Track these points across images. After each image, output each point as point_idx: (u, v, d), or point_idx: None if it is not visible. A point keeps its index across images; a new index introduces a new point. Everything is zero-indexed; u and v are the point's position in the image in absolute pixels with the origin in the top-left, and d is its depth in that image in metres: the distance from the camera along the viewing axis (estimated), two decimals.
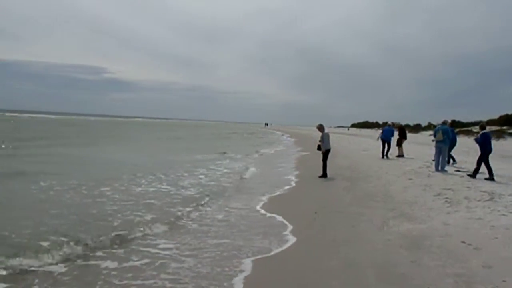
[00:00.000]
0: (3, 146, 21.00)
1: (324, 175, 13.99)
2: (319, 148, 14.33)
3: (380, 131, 21.65)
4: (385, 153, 19.72)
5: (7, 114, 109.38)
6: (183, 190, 11.38)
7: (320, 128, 14.38)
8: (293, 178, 14.34)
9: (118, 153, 21.84)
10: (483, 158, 12.59)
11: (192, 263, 5.71)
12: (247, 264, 5.70)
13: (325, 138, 14.14)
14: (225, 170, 16.21)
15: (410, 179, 12.82)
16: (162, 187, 11.71)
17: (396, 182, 12.50)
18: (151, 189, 11.25)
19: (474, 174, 12.59)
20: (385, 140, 20.03)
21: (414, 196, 10.11)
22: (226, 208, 9.32)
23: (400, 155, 20.01)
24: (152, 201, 9.75)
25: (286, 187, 12.34)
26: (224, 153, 23.88)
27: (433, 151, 15.39)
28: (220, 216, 8.56)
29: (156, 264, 5.65)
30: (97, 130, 54.25)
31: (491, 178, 12.20)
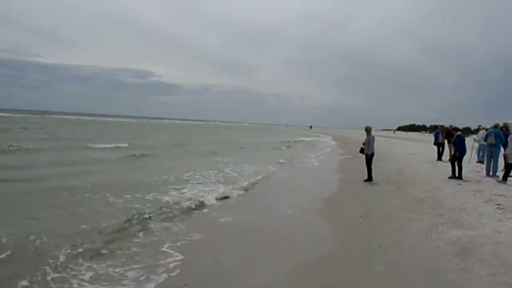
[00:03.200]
0: None
1: (369, 178, 13.82)
2: (361, 151, 14.07)
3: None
4: (439, 156, 19.55)
5: (65, 116, 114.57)
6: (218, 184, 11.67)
7: (368, 130, 14.12)
8: (336, 182, 14.26)
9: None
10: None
11: None
12: (294, 268, 5.79)
13: (370, 141, 13.93)
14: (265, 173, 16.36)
15: (459, 184, 12.42)
16: None
17: (444, 187, 12.16)
18: None
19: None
20: (435, 144, 19.86)
21: (464, 202, 9.82)
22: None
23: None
24: None
25: (330, 191, 12.28)
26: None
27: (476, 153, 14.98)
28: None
29: None
30: (174, 134, 54.41)
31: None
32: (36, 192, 10.21)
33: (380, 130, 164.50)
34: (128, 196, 10.02)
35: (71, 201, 9.45)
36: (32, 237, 6.47)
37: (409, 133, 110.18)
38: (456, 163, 13.95)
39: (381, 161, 20.34)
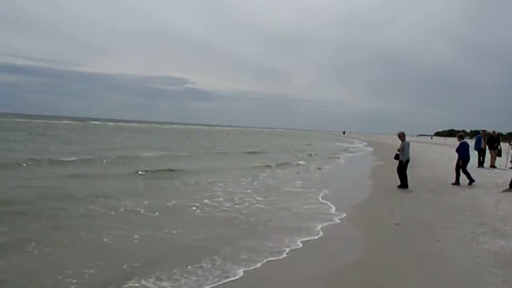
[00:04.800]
0: None
1: (403, 185, 13.41)
2: (396, 157, 13.74)
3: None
4: (481, 163, 18.85)
5: (108, 123, 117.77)
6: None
7: (402, 136, 13.79)
8: (368, 188, 13.93)
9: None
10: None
11: None
12: (325, 275, 5.67)
13: (405, 147, 13.57)
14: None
15: (503, 192, 11.82)
16: None
17: (486, 195, 11.61)
18: None
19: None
20: (476, 150, 19.07)
21: (508, 211, 9.32)
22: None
23: (492, 165, 18.75)
24: None
25: (362, 198, 12.00)
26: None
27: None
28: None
29: None
30: (235, 140, 55.42)
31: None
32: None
33: (417, 136, 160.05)
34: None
35: None
36: None
37: (448, 138, 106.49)
38: (460, 171, 13.97)
39: (418, 167, 19.77)
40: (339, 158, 28.64)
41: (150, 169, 15.92)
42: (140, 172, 15.06)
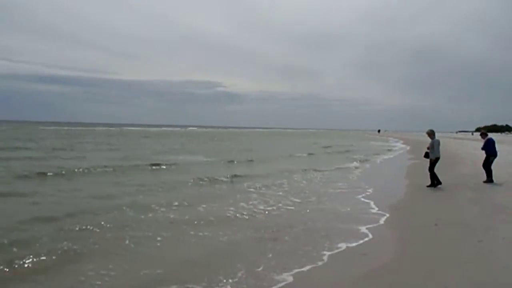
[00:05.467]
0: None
1: (433, 184, 13.04)
2: (426, 155, 13.53)
3: None
4: None
5: (145, 128, 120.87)
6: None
7: (431, 134, 13.54)
8: (404, 188, 13.55)
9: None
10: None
11: None
12: (361, 276, 5.50)
13: (435, 145, 13.23)
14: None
15: None
16: None
17: None
18: None
19: None
20: None
21: None
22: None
23: None
24: None
25: (399, 198, 11.66)
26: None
27: None
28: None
29: None
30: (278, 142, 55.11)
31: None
32: None
33: (457, 132, 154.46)
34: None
35: None
36: None
37: (490, 134, 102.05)
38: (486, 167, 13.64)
39: (458, 165, 19.03)
40: (379, 157, 28.13)
41: (211, 176, 15.20)
42: (204, 179, 14.42)
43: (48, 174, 14.70)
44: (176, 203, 10.00)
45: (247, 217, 8.85)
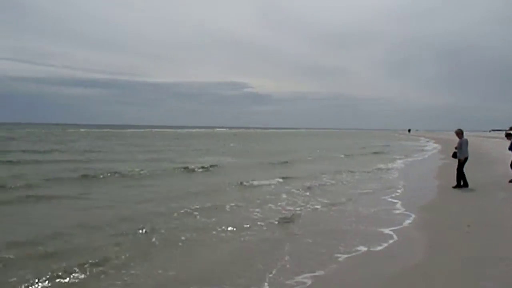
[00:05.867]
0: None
1: (459, 185, 12.78)
2: (454, 155, 13.28)
3: None
4: None
5: (177, 130, 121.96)
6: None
7: (459, 133, 13.25)
8: (435, 188, 13.28)
9: None
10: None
11: None
12: (390, 278, 5.47)
13: (463, 145, 12.95)
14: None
15: None
16: None
17: None
18: None
19: None
20: None
21: None
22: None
23: None
24: None
25: (429, 198, 11.45)
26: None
27: None
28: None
29: None
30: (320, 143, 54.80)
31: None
32: None
33: (490, 131, 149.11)
34: None
35: None
36: None
37: None
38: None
39: (493, 165, 18.46)
40: (412, 157, 27.73)
41: (253, 178, 15.08)
42: (245, 183, 13.93)
43: (92, 176, 14.82)
44: (209, 205, 10.02)
45: (276, 222, 8.64)
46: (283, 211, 9.62)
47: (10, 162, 19.37)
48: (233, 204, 10.21)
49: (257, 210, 9.72)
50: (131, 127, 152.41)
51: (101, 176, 14.97)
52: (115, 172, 15.79)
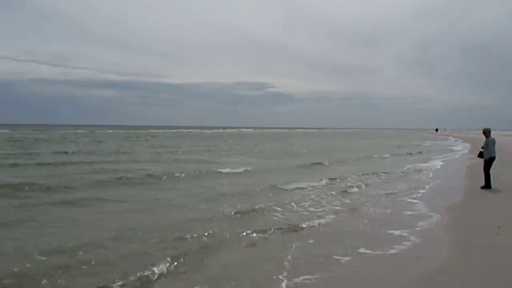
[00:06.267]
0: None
1: (488, 185, 12.50)
2: (480, 155, 13.07)
3: None
4: None
5: (197, 130, 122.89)
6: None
7: (486, 132, 12.98)
8: (462, 188, 13.12)
9: None
10: None
11: None
12: (418, 277, 5.46)
13: (489, 144, 12.71)
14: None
15: None
16: None
17: None
18: None
19: None
20: None
21: None
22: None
23: None
24: None
25: (457, 198, 11.31)
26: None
27: None
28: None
29: None
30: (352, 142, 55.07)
31: None
32: None
33: None
34: None
35: None
36: None
37: None
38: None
39: None
40: (441, 157, 27.27)
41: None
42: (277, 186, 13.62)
43: (127, 178, 14.76)
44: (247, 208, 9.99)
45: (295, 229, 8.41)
46: (305, 213, 9.71)
47: (49, 163, 19.51)
48: (280, 209, 10.09)
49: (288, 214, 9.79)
50: (155, 127, 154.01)
51: (138, 179, 14.90)
52: (150, 175, 15.66)
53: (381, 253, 6.59)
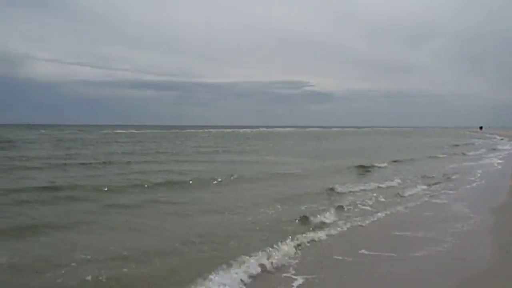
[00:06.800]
0: None
1: None
2: None
3: None
4: None
5: (229, 130, 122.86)
6: None
7: None
8: (507, 189, 13.19)
9: None
10: None
11: None
12: (461, 284, 5.49)
13: None
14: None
15: None
16: None
17: None
18: None
19: None
20: None
21: None
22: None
23: None
24: None
25: (502, 200, 11.35)
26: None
27: None
28: None
29: None
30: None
31: None
32: None
33: None
34: None
35: None
36: None
37: None
38: None
39: None
40: (491, 155, 27.05)
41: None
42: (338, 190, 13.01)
43: (199, 179, 14.68)
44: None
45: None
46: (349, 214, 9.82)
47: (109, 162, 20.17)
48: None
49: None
50: (193, 127, 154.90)
51: (207, 180, 14.76)
52: (208, 178, 15.25)
53: (422, 252, 6.78)
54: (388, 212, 10.04)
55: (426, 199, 11.89)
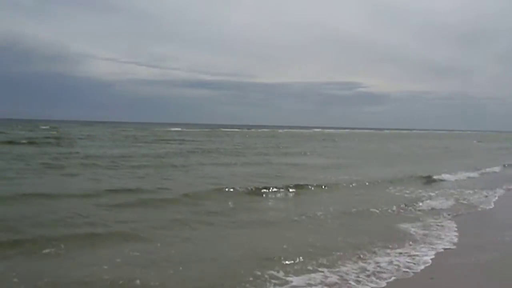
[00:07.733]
0: None
1: None
2: None
3: None
4: None
5: (293, 130, 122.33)
6: None
7: None
8: None
9: None
10: None
11: None
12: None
13: None
14: None
15: None
16: None
17: None
18: None
19: None
20: None
21: None
22: None
23: None
24: None
25: None
26: None
27: None
28: None
29: None
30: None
31: None
32: None
33: None
34: None
35: None
36: None
37: None
38: None
39: None
40: None
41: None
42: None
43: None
44: None
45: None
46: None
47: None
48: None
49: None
50: (247, 127, 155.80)
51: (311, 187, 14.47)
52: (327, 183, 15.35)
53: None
54: None
55: None
